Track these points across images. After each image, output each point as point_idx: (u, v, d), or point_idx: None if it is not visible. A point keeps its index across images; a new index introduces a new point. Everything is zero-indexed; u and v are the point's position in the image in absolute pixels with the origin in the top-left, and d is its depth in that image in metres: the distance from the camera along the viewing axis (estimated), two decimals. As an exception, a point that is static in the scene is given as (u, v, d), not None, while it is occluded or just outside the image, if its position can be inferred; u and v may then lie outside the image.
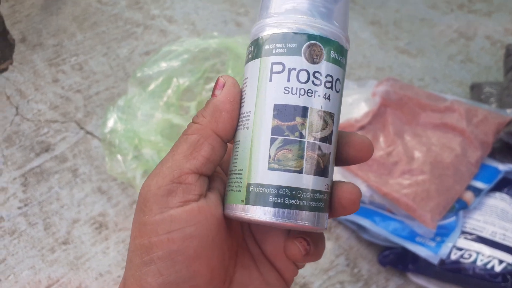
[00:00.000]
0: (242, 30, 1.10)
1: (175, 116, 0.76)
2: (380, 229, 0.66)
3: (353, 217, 0.68)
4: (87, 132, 0.85)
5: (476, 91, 0.91)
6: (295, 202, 0.22)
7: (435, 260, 0.61)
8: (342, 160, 0.26)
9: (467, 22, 1.16)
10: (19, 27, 1.04)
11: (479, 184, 0.70)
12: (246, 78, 0.25)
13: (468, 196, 0.68)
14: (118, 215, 0.73)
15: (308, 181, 0.23)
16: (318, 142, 0.23)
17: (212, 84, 0.91)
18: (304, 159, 0.23)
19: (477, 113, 0.75)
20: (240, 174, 0.24)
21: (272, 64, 0.23)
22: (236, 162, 0.24)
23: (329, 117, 0.23)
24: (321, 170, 0.23)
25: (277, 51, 0.23)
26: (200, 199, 0.23)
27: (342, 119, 0.75)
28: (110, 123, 0.78)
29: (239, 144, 0.24)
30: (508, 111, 0.77)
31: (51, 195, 0.75)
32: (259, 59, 0.24)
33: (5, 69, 0.95)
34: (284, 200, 0.22)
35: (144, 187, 0.24)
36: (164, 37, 1.05)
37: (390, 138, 0.71)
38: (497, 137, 0.75)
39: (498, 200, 0.68)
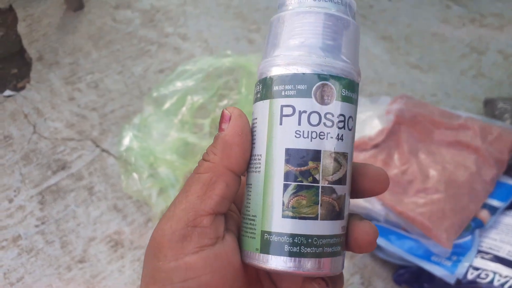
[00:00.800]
0: (254, 46, 1.11)
1: (190, 135, 0.77)
2: (395, 248, 0.65)
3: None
4: (103, 150, 0.86)
5: (489, 107, 0.91)
6: (311, 250, 0.22)
7: (451, 279, 0.61)
8: (357, 192, 0.25)
9: (479, 37, 1.16)
10: (36, 46, 1.07)
11: (495, 202, 0.69)
12: (256, 118, 0.24)
13: (484, 214, 0.67)
14: (133, 233, 0.74)
15: (324, 227, 0.22)
16: (332, 186, 0.22)
17: (226, 101, 0.92)
18: (319, 205, 0.22)
19: (492, 131, 0.75)
20: (254, 220, 0.23)
21: (282, 106, 0.22)
22: (249, 207, 0.24)
23: (343, 158, 0.23)
24: (337, 214, 0.23)
25: (286, 93, 0.22)
26: (216, 244, 0.23)
27: (356, 137, 0.76)
28: (126, 141, 0.80)
29: (251, 188, 0.24)
30: (523, 127, 0.77)
31: (67, 213, 0.76)
32: (268, 100, 0.23)
33: (22, 88, 0.98)
34: (300, 249, 0.22)
35: (158, 230, 0.23)
36: (178, 55, 1.06)
37: (405, 156, 0.71)
38: (512, 154, 0.75)
39: (514, 219, 0.68)
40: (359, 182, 0.25)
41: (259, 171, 0.23)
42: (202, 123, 0.87)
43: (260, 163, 0.23)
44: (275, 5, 0.25)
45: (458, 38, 1.16)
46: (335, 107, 0.22)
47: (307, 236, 0.22)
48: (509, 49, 1.13)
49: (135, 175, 0.74)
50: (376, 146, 0.71)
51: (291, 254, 0.22)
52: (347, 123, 0.23)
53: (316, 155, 0.22)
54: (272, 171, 0.22)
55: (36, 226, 0.75)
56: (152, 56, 1.06)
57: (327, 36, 0.23)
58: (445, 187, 0.67)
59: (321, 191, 0.22)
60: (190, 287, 0.22)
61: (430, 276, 0.64)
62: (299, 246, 0.22)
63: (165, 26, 1.14)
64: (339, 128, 0.22)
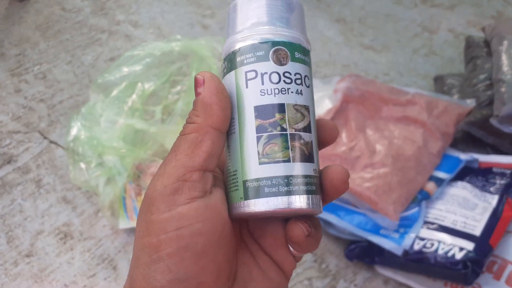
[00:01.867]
0: (208, 32, 1.10)
1: (138, 121, 0.76)
2: (345, 224, 0.66)
3: (319, 213, 0.68)
4: (51, 142, 0.84)
5: (439, 83, 0.93)
6: (289, 188, 0.25)
7: (399, 251, 0.62)
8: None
9: (431, 16, 1.18)
10: (-21, 38, 1.02)
11: (441, 174, 0.71)
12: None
13: (430, 186, 0.69)
14: (83, 224, 0.72)
15: (297, 168, 0.25)
16: (299, 133, 0.25)
17: (179, 88, 0.90)
18: (290, 149, 0.25)
19: (438, 105, 0.76)
20: (235, 174, 0.26)
21: (246, 72, 0.26)
22: (230, 165, 0.26)
23: (305, 109, 0.26)
24: (307, 157, 0.25)
25: (248, 60, 0.26)
26: (205, 196, 0.24)
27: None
28: (74, 131, 0.77)
29: (230, 148, 0.26)
30: (468, 101, 0.78)
31: (13, 207, 0.74)
32: (233, 70, 0.26)
33: (-35, 81, 0.94)
34: (278, 188, 0.25)
35: (150, 187, 0.24)
36: (129, 42, 1.04)
37: (353, 133, 0.71)
38: (458, 128, 0.76)
39: (459, 189, 0.69)
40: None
41: (234, 132, 0.26)
42: (153, 110, 0.85)
43: (234, 125, 0.26)
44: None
45: (410, 18, 1.17)
46: (291, 67, 0.26)
47: (283, 177, 0.25)
48: (460, 27, 1.15)
49: (82, 165, 0.72)
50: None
51: (272, 195, 0.25)
52: (304, 80, 0.26)
53: (281, 107, 0.25)
54: (245, 128, 0.25)
55: (-19, 222, 0.72)
56: (103, 44, 1.03)
57: (276, 13, 0.27)
58: (392, 161, 0.68)
59: (290, 138, 0.25)
60: (183, 234, 0.23)
61: (380, 250, 0.65)
62: (278, 186, 0.25)
63: (117, 14, 1.12)
64: (298, 84, 0.26)
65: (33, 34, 1.05)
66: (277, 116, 0.25)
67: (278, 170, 0.25)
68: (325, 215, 0.68)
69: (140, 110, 0.82)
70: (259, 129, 0.25)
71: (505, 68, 0.76)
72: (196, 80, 0.25)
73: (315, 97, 0.80)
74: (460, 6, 1.22)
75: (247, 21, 0.27)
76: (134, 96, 0.82)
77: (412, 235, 0.63)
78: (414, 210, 0.66)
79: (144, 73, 0.84)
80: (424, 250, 0.61)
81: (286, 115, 0.25)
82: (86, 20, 1.09)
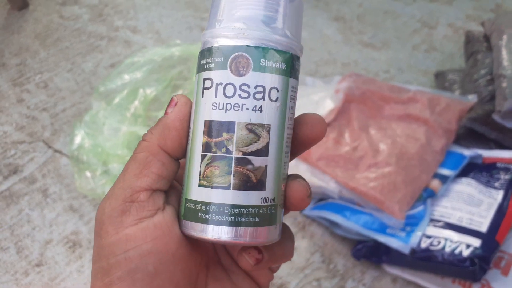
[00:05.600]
0: (207, 35, 1.10)
1: (141, 128, 0.76)
2: (351, 224, 0.66)
3: (325, 213, 0.69)
4: (56, 151, 0.84)
5: (440, 79, 0.93)
6: (224, 218, 0.22)
7: (406, 250, 0.62)
8: (299, 142, 0.25)
9: (429, 12, 1.18)
10: (-20, 49, 1.03)
11: (445, 171, 0.71)
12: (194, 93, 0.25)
13: (435, 184, 0.69)
14: (91, 232, 0.73)
15: (237, 197, 0.22)
16: (248, 157, 0.22)
17: (180, 92, 0.90)
18: (232, 175, 0.22)
19: (440, 102, 0.76)
20: (183, 189, 0.24)
21: (204, 80, 0.23)
22: (184, 176, 0.25)
23: (262, 129, 0.22)
24: (254, 185, 0.23)
25: (207, 66, 0.23)
26: (156, 215, 0.23)
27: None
28: (77, 139, 0.78)
29: (186, 159, 0.24)
30: (470, 97, 0.79)
31: (21, 217, 0.74)
32: (197, 74, 0.24)
33: (-32, 93, 0.94)
34: (212, 216, 0.22)
35: (99, 210, 0.24)
36: (129, 48, 1.04)
37: (355, 133, 0.71)
38: (460, 124, 0.77)
39: (464, 186, 0.69)
40: (299, 130, 0.25)
41: (189, 143, 0.24)
42: (156, 115, 0.85)
43: (190, 136, 0.24)
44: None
45: (409, 14, 1.17)
46: (252, 78, 0.22)
47: (219, 205, 0.22)
48: (459, 22, 1.15)
49: (88, 173, 0.73)
50: (327, 125, 0.72)
51: (204, 221, 0.23)
52: (269, 94, 0.22)
53: (229, 126, 0.22)
54: (194, 143, 0.23)
55: (-11, 233, 0.73)
56: (102, 51, 1.03)
57: (256, 7, 0.22)
58: (396, 160, 0.68)
59: (235, 162, 0.22)
60: (132, 257, 0.22)
61: (387, 248, 0.65)
62: (212, 214, 0.22)
63: (115, 20, 1.12)
64: (257, 99, 0.22)
65: (33, 43, 1.05)
66: (225, 135, 0.22)
67: (216, 196, 0.22)
68: (332, 216, 0.68)
69: (142, 116, 0.82)
70: (205, 147, 0.23)
71: (505, 63, 0.76)
72: (171, 99, 0.25)
73: (316, 97, 0.80)
74: (459, 0, 1.22)
75: (219, 15, 0.23)
76: (136, 102, 0.83)
77: (418, 233, 0.64)
78: (420, 208, 0.66)
79: (145, 79, 0.85)
80: (431, 248, 0.62)
81: (235, 136, 0.22)
82: (85, 27, 1.10)
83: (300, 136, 0.25)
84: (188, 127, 0.24)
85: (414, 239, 0.63)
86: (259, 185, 0.23)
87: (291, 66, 0.23)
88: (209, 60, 0.23)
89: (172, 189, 0.26)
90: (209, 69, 0.23)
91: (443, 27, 1.14)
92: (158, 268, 0.23)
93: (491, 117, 0.74)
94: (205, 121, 0.23)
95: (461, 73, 0.90)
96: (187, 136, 0.24)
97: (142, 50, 0.88)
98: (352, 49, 1.07)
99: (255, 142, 0.23)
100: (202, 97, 0.23)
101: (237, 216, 0.22)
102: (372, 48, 1.08)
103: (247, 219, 0.23)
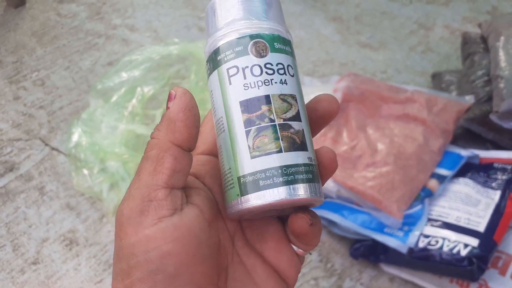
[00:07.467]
0: (205, 34, 1.09)
1: (139, 126, 0.76)
2: (349, 223, 0.66)
3: (323, 212, 0.69)
4: (53, 148, 0.83)
5: (437, 80, 0.93)
6: (284, 179, 0.24)
7: (403, 249, 0.63)
8: (319, 117, 0.27)
9: (426, 13, 1.19)
10: (-24, 45, 1.02)
11: (443, 171, 0.71)
12: (211, 90, 0.27)
13: (433, 183, 0.69)
14: (88, 230, 0.72)
15: (290, 158, 0.25)
16: (288, 122, 0.25)
17: (178, 91, 0.90)
18: (280, 140, 0.25)
19: (437, 102, 0.77)
20: (230, 172, 0.25)
21: (228, 69, 0.26)
22: (224, 164, 0.26)
23: (291, 98, 0.25)
24: (299, 145, 0.25)
25: (228, 57, 0.26)
26: (174, 214, 0.23)
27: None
28: (75, 137, 0.77)
29: (221, 147, 0.26)
30: (467, 98, 0.79)
31: (17, 215, 0.74)
32: (216, 70, 0.26)
33: (-37, 90, 0.93)
34: (273, 180, 0.24)
35: (117, 213, 0.24)
36: (126, 46, 1.04)
37: (353, 132, 0.72)
38: (457, 124, 0.77)
39: (462, 186, 0.70)
40: (319, 107, 0.27)
41: (223, 130, 0.26)
42: (153, 114, 0.85)
43: (223, 124, 0.26)
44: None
45: (406, 15, 1.18)
46: (272, 58, 0.26)
47: (277, 168, 0.24)
48: (455, 23, 1.16)
49: (85, 171, 0.72)
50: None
51: (267, 187, 0.24)
52: (287, 70, 0.26)
53: (266, 99, 0.25)
54: (233, 124, 0.25)
55: (-15, 231, 0.72)
56: (100, 49, 1.03)
57: (251, 8, 0.27)
58: (393, 159, 0.68)
59: (279, 128, 0.25)
60: (152, 258, 0.22)
61: (385, 248, 0.65)
62: (272, 178, 0.24)
63: (113, 18, 1.11)
64: (281, 74, 0.26)
65: (30, 41, 1.05)
66: (264, 108, 0.25)
67: (271, 161, 0.24)
68: (329, 215, 0.68)
69: (140, 114, 0.82)
70: (247, 123, 0.25)
71: (503, 64, 0.76)
72: (169, 94, 0.25)
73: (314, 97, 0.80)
74: (455, 2, 1.22)
75: (223, 20, 0.27)
76: (134, 100, 0.82)
77: (416, 232, 0.64)
78: (418, 207, 0.66)
79: (143, 77, 0.84)
80: (429, 247, 0.62)
81: (273, 106, 0.25)
82: (82, 25, 1.09)
83: (320, 111, 0.27)
84: (194, 116, 0.25)
85: (412, 239, 0.63)
86: (303, 146, 0.25)
87: (293, 50, 0.28)
88: (228, 53, 0.26)
89: (191, 188, 0.26)
90: (231, 59, 0.26)
91: (440, 29, 1.15)
92: (179, 269, 0.23)
93: (488, 118, 0.75)
94: (240, 102, 0.25)
95: (458, 74, 0.90)
96: (195, 124, 0.25)
97: (140, 48, 0.88)
98: (349, 49, 1.08)
99: (290, 109, 0.25)
100: (230, 84, 0.25)
101: (296, 174, 0.24)
102: (369, 49, 1.08)
103: (303, 176, 0.25)
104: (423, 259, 0.61)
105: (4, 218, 0.74)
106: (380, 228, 0.65)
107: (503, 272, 0.60)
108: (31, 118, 0.88)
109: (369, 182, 0.65)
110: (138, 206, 0.23)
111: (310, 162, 0.25)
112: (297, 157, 0.25)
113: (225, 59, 0.26)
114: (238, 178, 0.25)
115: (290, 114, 0.25)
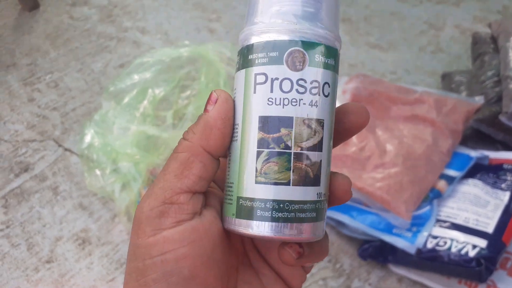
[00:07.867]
0: (215, 35, 1.11)
1: (150, 127, 0.77)
2: (358, 223, 0.67)
3: (332, 213, 0.69)
4: (66, 149, 0.85)
5: (447, 80, 0.93)
6: (283, 215, 0.22)
7: (412, 250, 0.63)
8: (345, 130, 0.25)
9: (436, 13, 1.18)
10: (-9, 48, 1.04)
11: (452, 172, 0.71)
12: (235, 89, 0.24)
13: (442, 184, 0.69)
14: (100, 230, 0.74)
15: (296, 193, 0.22)
16: (305, 152, 0.22)
17: (188, 92, 0.91)
18: (291, 171, 0.22)
19: (446, 103, 0.77)
20: (231, 187, 0.24)
21: (256, 75, 0.23)
22: (229, 175, 0.24)
23: (318, 124, 0.23)
24: (311, 180, 0.23)
25: (259, 61, 0.23)
26: (194, 218, 0.23)
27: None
28: (87, 138, 0.79)
29: (230, 156, 0.24)
30: (477, 98, 0.79)
31: (32, 214, 0.76)
32: (244, 69, 0.23)
33: (-21, 92, 0.95)
34: (271, 213, 0.22)
35: (138, 209, 0.23)
36: (137, 49, 1.05)
37: (363, 133, 0.72)
38: (467, 125, 0.77)
39: (471, 187, 0.70)
40: (346, 119, 0.25)
41: (236, 140, 0.23)
42: (164, 115, 0.86)
43: (237, 132, 0.23)
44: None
45: (416, 15, 1.18)
46: (308, 73, 0.22)
47: (278, 201, 0.22)
48: (465, 23, 1.15)
49: (97, 171, 0.74)
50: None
51: (263, 219, 0.22)
52: (322, 89, 0.23)
53: (288, 121, 0.22)
54: (246, 139, 0.23)
55: (1, 230, 0.74)
56: (112, 51, 1.04)
57: (303, 3, 0.23)
58: (402, 160, 0.69)
59: (294, 157, 0.22)
60: (168, 260, 0.22)
61: (393, 248, 0.66)
62: (271, 211, 0.22)
63: (124, 21, 1.13)
64: (313, 94, 0.22)
65: (43, 43, 1.07)
66: (283, 131, 0.22)
67: (275, 193, 0.22)
68: (338, 216, 0.68)
69: (151, 115, 0.83)
70: (261, 143, 0.22)
71: (513, 64, 0.76)
72: (210, 96, 0.24)
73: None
74: (466, 1, 1.22)
75: (266, 11, 0.23)
76: (145, 102, 0.84)
77: (425, 233, 0.64)
78: (426, 208, 0.67)
79: (154, 79, 0.86)
80: (437, 248, 0.62)
81: (293, 131, 0.22)
82: (94, 28, 1.11)
83: (347, 124, 0.25)
84: (232, 125, 0.24)
85: (420, 239, 0.64)
86: (315, 181, 0.23)
87: (337, 62, 0.24)
88: (261, 55, 0.23)
89: (209, 191, 0.26)
90: (262, 64, 0.22)
91: (450, 29, 1.14)
92: (193, 272, 0.23)
93: (498, 119, 0.74)
94: (259, 116, 0.22)
95: (468, 75, 0.90)
96: (231, 134, 0.24)
97: (151, 50, 0.89)
98: (359, 50, 1.08)
99: (312, 137, 0.22)
100: (255, 92, 0.23)
101: (297, 212, 0.22)
102: (379, 49, 1.08)
103: (305, 215, 0.22)
104: (431, 260, 0.62)
105: (19, 217, 0.75)
106: (389, 229, 0.66)
107: (511, 274, 0.60)
108: (45, 119, 0.90)
109: (378, 183, 0.65)
110: (159, 207, 0.23)
111: (318, 199, 0.23)
112: (305, 193, 0.23)
113: (257, 61, 0.23)
114: (238, 198, 0.23)
115: (311, 142, 0.22)
